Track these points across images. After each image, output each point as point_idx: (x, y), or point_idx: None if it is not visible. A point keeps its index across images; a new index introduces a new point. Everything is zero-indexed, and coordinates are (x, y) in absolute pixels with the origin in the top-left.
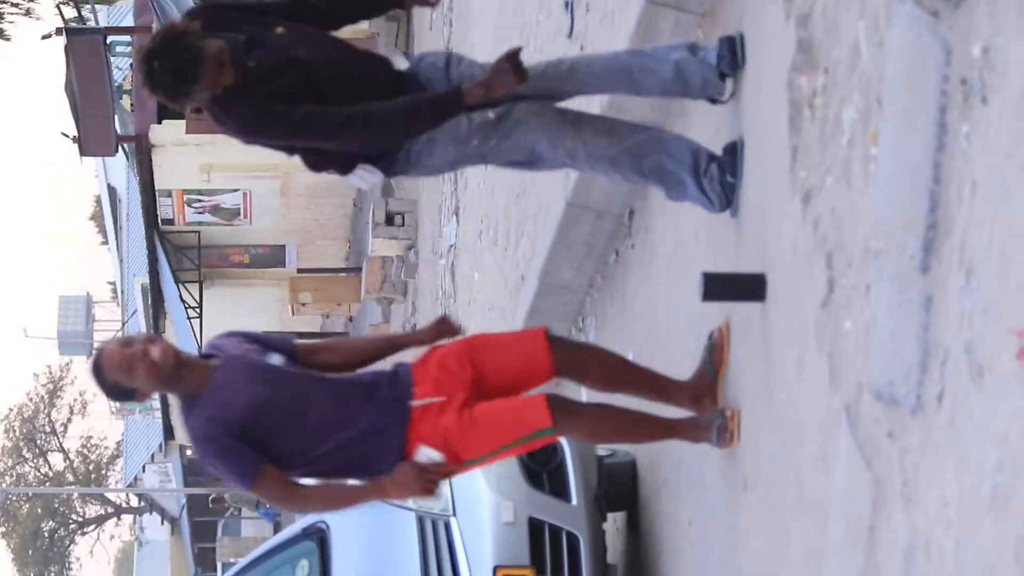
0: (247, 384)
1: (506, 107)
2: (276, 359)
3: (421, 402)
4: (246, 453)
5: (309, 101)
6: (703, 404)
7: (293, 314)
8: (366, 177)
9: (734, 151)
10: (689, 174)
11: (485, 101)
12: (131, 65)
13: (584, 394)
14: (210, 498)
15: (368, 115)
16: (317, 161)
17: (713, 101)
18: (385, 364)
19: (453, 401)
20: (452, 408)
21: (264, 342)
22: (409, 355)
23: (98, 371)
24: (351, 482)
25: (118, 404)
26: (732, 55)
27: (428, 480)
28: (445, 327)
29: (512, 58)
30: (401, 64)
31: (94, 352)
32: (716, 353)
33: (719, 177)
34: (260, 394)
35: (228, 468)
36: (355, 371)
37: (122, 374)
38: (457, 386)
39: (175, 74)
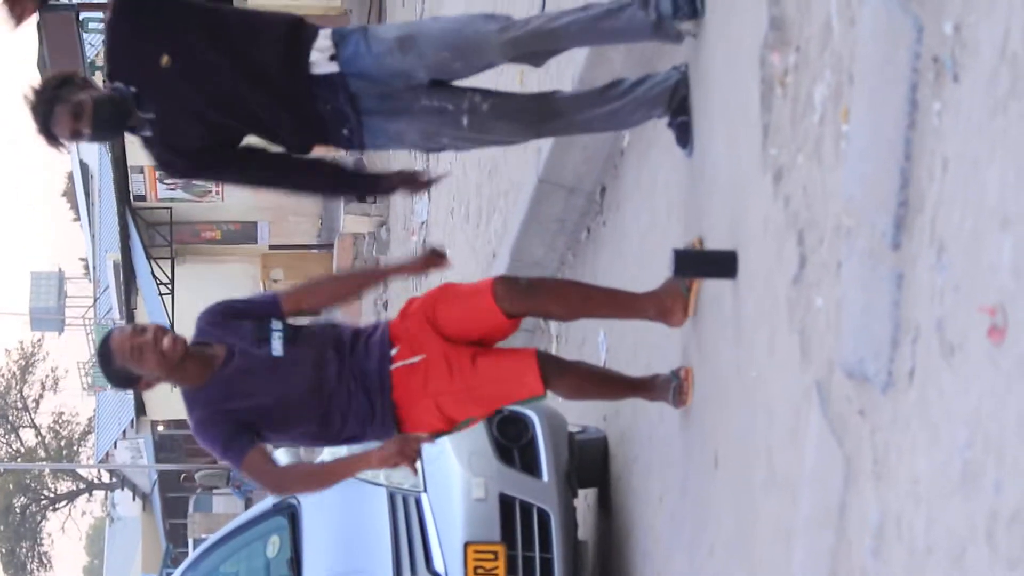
0: (255, 382)
1: (478, 117)
2: (277, 346)
3: (401, 364)
4: (240, 440)
5: (217, 137)
6: (673, 315)
7: (265, 291)
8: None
9: None
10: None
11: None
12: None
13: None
14: (181, 476)
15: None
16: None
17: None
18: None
19: (434, 359)
20: (438, 368)
21: (253, 313)
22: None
23: (105, 356)
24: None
25: (121, 390)
26: (691, 3)
27: (411, 450)
28: (433, 259)
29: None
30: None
31: (102, 337)
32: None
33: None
34: (268, 392)
35: (222, 453)
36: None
37: (131, 361)
38: (432, 343)
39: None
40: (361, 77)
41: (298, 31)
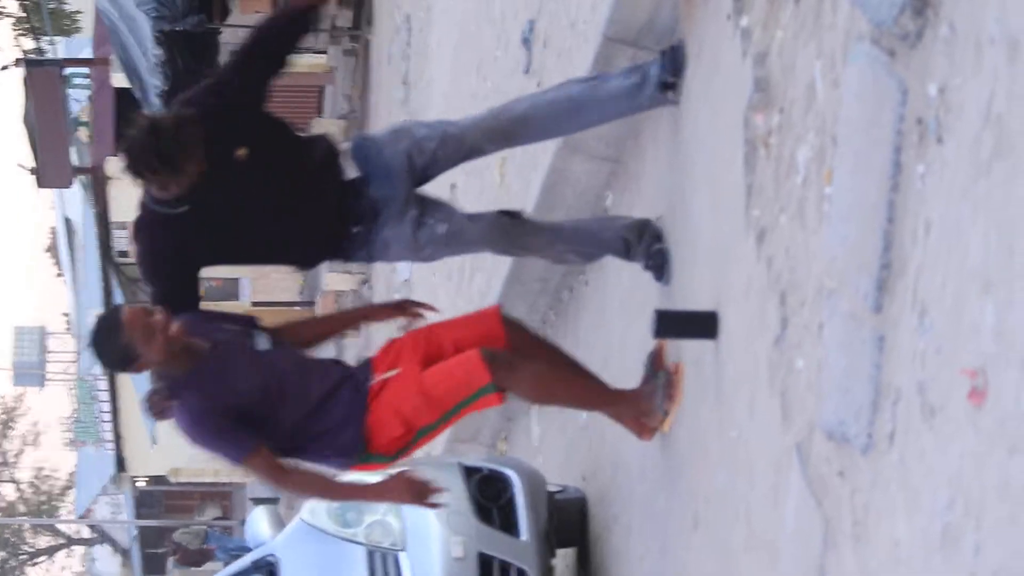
0: (242, 371)
1: (454, 225)
2: (263, 342)
3: (379, 378)
4: (240, 434)
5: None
6: (644, 429)
7: None
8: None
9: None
10: (623, 256)
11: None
12: (89, 97)
13: None
14: (168, 556)
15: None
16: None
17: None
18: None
19: (407, 371)
20: (403, 377)
21: (230, 319)
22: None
23: (112, 329)
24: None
25: (112, 371)
26: (674, 62)
27: (425, 493)
28: (408, 305)
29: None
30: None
31: (107, 312)
32: (670, 389)
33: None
34: (255, 381)
35: (221, 447)
36: (323, 341)
37: (139, 337)
38: (411, 360)
39: (159, 157)
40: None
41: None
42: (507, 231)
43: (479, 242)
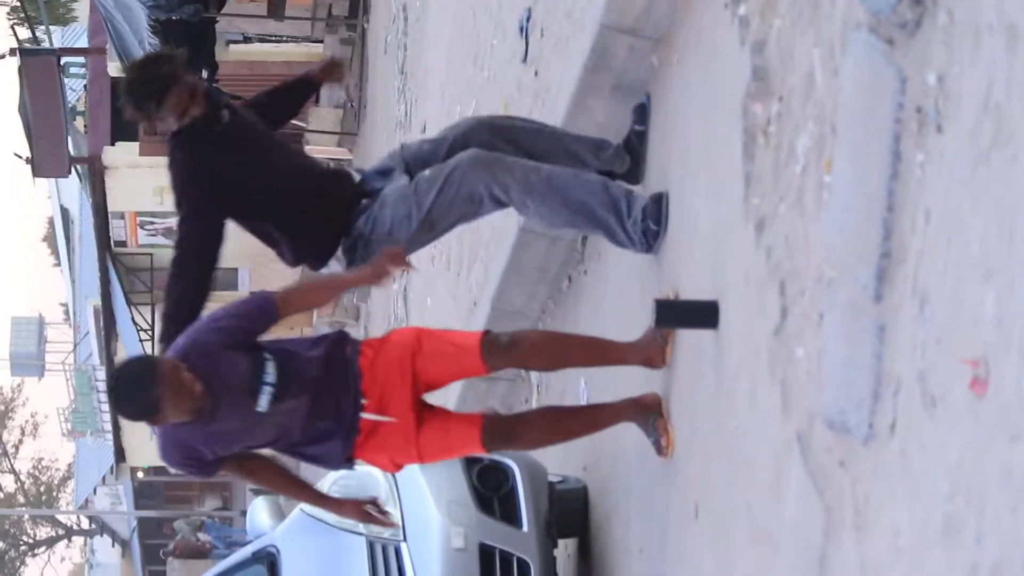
0: (234, 434)
1: (444, 164)
2: (264, 403)
3: (370, 417)
4: (205, 465)
5: (248, 189)
6: (653, 361)
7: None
8: (335, 266)
9: (659, 201)
10: (613, 217)
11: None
12: (85, 87)
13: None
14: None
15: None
16: (294, 257)
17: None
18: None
19: (404, 423)
20: (401, 432)
21: (251, 337)
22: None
23: (146, 381)
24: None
25: (136, 422)
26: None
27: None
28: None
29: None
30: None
31: (142, 363)
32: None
33: (642, 223)
34: (245, 439)
35: (188, 473)
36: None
37: (171, 393)
38: (404, 407)
39: (148, 82)
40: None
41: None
42: (494, 155)
43: (469, 173)
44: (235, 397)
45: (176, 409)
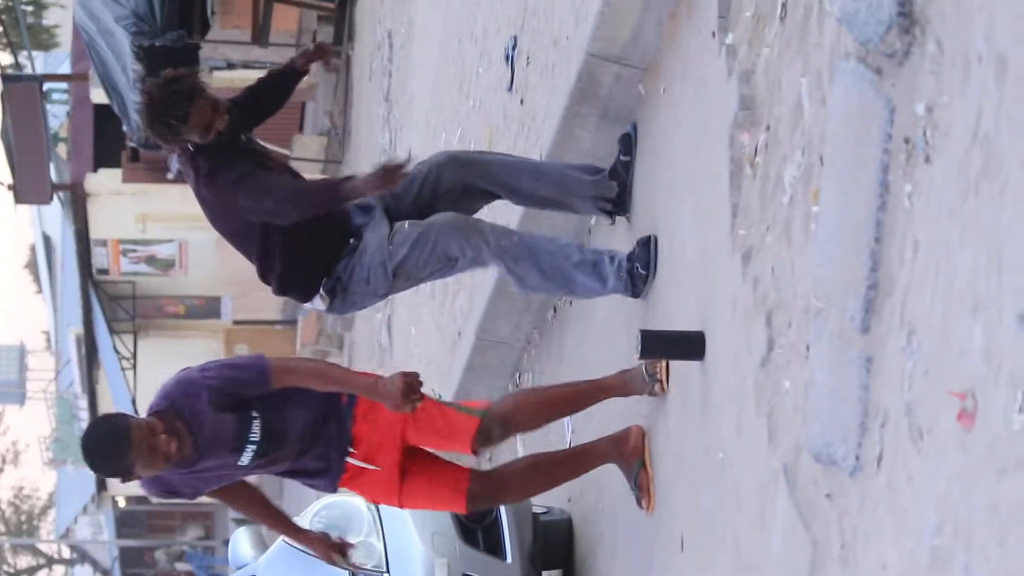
0: (213, 481)
1: (421, 223)
2: (247, 459)
3: (357, 463)
4: (184, 496)
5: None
6: (636, 392)
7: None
8: (319, 303)
9: (648, 245)
10: (591, 275)
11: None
12: (67, 113)
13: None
14: None
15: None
16: (281, 287)
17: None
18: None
19: (388, 474)
20: (385, 480)
21: (232, 398)
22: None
23: (118, 444)
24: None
25: (97, 474)
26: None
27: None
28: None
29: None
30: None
31: (113, 427)
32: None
33: (627, 267)
34: (225, 482)
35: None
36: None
37: (144, 457)
38: (390, 463)
39: (171, 103)
40: None
41: None
42: (470, 218)
43: (445, 234)
44: (218, 452)
45: (150, 470)
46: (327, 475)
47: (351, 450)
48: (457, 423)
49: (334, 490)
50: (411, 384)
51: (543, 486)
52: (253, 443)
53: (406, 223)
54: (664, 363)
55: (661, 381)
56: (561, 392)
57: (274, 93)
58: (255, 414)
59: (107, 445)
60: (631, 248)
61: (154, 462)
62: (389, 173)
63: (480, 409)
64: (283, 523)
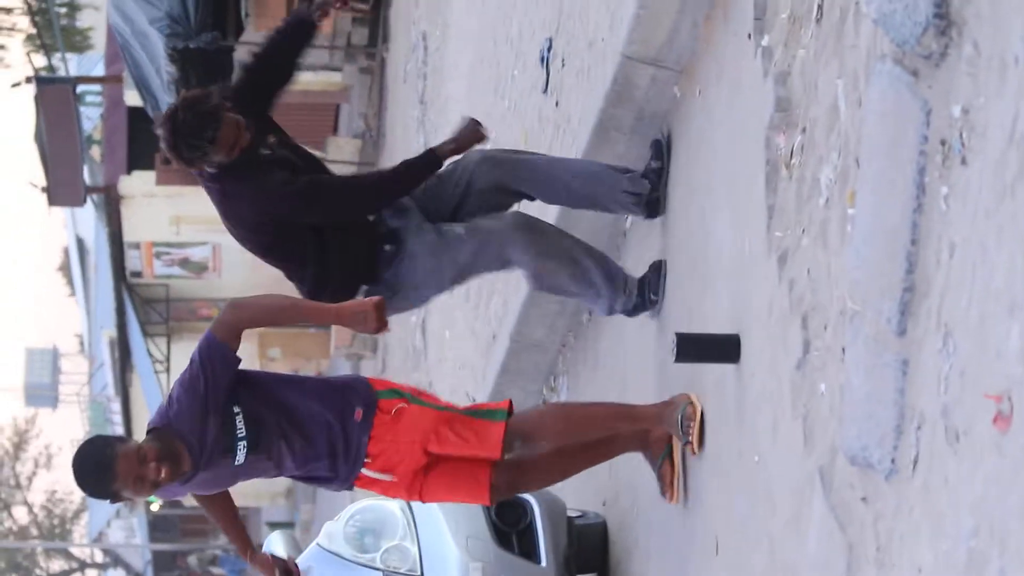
0: (213, 486)
1: (470, 223)
2: (241, 456)
3: (370, 473)
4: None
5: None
6: (655, 442)
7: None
8: None
9: (659, 270)
10: (607, 286)
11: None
12: (101, 115)
13: None
14: None
15: (356, 183)
16: (314, 289)
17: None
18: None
19: (405, 480)
20: (401, 487)
21: (215, 395)
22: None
23: (103, 472)
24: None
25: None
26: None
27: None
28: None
29: (476, 126)
30: None
31: (101, 455)
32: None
33: (637, 296)
34: (230, 485)
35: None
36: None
37: (128, 483)
38: (407, 471)
39: (199, 124)
40: None
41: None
42: (520, 217)
43: (498, 238)
44: (213, 458)
45: (140, 495)
46: (335, 483)
47: (366, 460)
48: (486, 433)
49: (349, 488)
50: (379, 306)
51: (566, 473)
52: (242, 439)
53: (456, 226)
54: (698, 423)
55: (692, 443)
56: (592, 412)
57: (285, 58)
58: (236, 409)
59: (90, 476)
60: (643, 272)
61: (141, 490)
62: (479, 126)
63: (501, 411)
64: (241, 539)
